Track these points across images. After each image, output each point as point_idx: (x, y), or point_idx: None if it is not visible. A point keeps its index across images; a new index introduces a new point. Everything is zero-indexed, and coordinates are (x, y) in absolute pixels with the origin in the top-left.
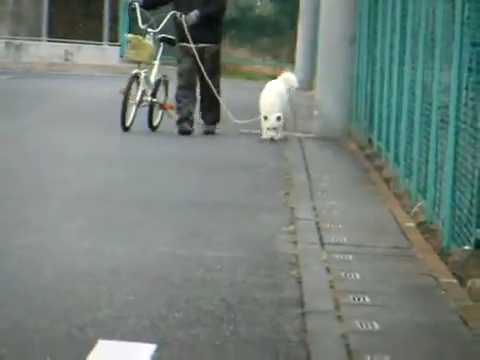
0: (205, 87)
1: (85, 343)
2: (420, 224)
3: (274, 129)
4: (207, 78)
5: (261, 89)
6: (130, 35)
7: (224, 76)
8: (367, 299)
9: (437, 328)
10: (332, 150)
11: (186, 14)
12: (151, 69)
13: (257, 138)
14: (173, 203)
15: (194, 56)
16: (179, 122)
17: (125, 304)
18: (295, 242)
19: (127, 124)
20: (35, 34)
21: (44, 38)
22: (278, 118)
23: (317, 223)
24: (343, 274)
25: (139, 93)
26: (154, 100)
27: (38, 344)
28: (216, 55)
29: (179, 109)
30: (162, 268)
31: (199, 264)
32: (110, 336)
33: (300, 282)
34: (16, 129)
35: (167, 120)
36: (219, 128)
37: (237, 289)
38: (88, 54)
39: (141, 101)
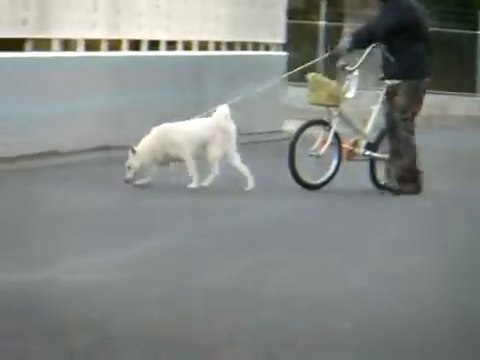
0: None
1: None
2: None
3: (128, 168)
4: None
5: None
6: (310, 74)
7: None
8: None
9: None
10: None
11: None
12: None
13: None
14: None
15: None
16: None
17: None
18: None
19: (306, 179)
20: None
21: None
22: (132, 151)
23: None
24: None
25: (327, 143)
26: (374, 154)
27: None
28: (407, 94)
29: (393, 164)
30: None
31: None
32: None
33: None
34: None
35: None
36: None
37: None
38: (461, 105)
39: (354, 153)
